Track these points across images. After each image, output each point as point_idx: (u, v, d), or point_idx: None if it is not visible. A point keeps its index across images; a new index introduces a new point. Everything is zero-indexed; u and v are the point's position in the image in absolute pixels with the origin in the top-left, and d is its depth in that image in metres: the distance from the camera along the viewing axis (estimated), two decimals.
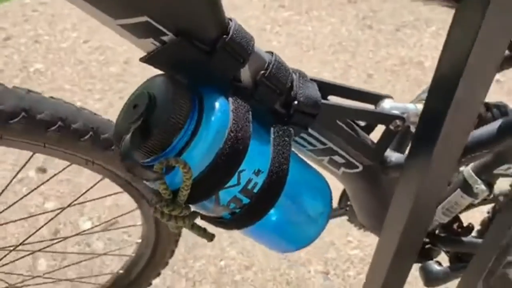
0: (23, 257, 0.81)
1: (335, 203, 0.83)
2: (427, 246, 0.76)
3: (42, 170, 1.40)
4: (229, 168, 0.41)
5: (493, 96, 0.52)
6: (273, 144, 0.45)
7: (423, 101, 0.47)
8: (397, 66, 2.13)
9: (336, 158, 0.57)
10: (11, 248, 0.76)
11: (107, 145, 0.58)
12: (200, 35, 0.42)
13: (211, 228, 0.46)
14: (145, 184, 0.42)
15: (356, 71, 2.08)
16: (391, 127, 0.55)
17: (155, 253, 0.84)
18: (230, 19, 0.44)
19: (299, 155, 0.55)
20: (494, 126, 0.54)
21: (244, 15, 2.45)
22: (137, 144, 0.39)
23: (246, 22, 2.37)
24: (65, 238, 0.90)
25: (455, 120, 0.45)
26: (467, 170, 0.69)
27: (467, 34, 0.40)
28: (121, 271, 0.90)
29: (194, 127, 0.40)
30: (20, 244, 0.75)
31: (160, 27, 0.40)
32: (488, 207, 0.84)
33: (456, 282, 0.66)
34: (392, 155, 0.61)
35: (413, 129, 0.59)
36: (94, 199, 0.76)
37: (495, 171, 0.67)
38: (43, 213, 1.16)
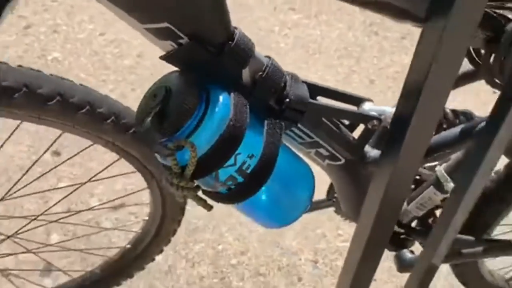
0: (38, 226, 0.90)
1: (323, 196, 0.92)
2: (402, 236, 0.85)
3: (57, 153, 1.50)
4: (228, 150, 0.50)
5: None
6: (266, 134, 0.54)
7: None
8: (399, 73, 2.21)
9: (322, 150, 0.66)
10: (32, 218, 0.86)
11: (126, 129, 0.68)
12: (210, 40, 0.51)
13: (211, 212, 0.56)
14: (156, 166, 0.52)
15: (359, 76, 2.17)
16: (369, 126, 0.64)
17: (160, 230, 0.93)
18: (235, 27, 0.54)
19: (290, 146, 0.65)
20: (456, 130, 0.63)
21: (254, 16, 2.53)
22: (155, 126, 0.49)
23: (256, 23, 2.46)
24: (77, 212, 1.00)
25: (419, 124, 0.53)
26: (439, 169, 0.78)
27: (428, 52, 0.49)
28: (128, 246, 1.00)
29: (201, 116, 0.49)
30: (41, 214, 0.84)
31: (178, 32, 0.50)
32: None
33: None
34: (371, 151, 0.70)
35: None
36: (107, 177, 0.86)
37: None
38: (57, 188, 1.25)
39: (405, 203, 0.84)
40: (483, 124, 0.64)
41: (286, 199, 0.61)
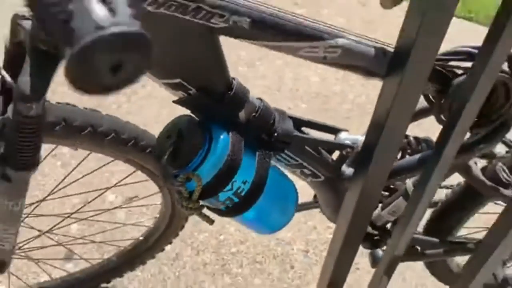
0: (70, 224, 1.05)
1: (311, 198, 1.06)
2: (376, 237, 0.99)
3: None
4: (226, 179, 0.64)
5: None
6: (257, 164, 0.68)
7: None
8: None
9: (305, 170, 0.80)
10: (66, 215, 1.00)
11: (143, 149, 0.81)
12: (213, 91, 0.65)
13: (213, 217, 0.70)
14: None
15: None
16: (344, 153, 0.77)
17: (169, 226, 1.08)
18: (234, 78, 0.67)
19: (279, 166, 0.78)
20: (415, 157, 0.77)
21: None
22: (170, 162, 0.62)
23: None
24: (106, 210, 1.14)
25: (382, 152, 0.66)
26: (408, 182, 0.91)
27: (388, 99, 0.61)
28: (141, 238, 1.15)
29: (205, 153, 0.63)
30: (74, 212, 0.99)
31: (188, 85, 0.63)
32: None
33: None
34: (347, 170, 0.83)
35: None
36: (125, 184, 1.00)
37: None
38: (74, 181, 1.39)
39: (379, 209, 0.97)
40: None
41: (274, 212, 0.75)
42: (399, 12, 0.60)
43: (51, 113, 0.70)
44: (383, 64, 0.64)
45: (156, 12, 0.54)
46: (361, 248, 0.83)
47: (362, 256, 1.01)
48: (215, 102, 0.65)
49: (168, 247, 1.19)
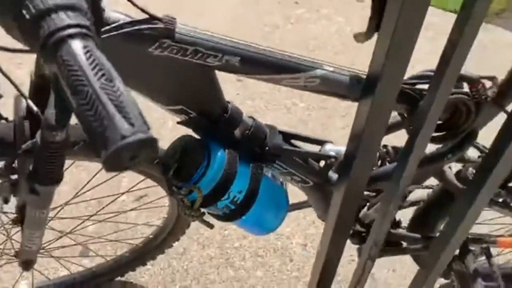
0: (89, 226, 1.16)
1: (305, 198, 1.16)
2: (363, 234, 1.09)
3: None
4: (223, 190, 0.75)
5: None
6: (250, 176, 0.78)
7: None
8: None
9: (295, 177, 0.90)
10: (86, 217, 1.12)
11: (152, 161, 0.92)
12: (211, 114, 0.75)
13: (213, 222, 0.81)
14: None
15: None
16: (328, 162, 0.87)
17: (176, 226, 1.19)
18: (229, 102, 0.77)
19: (272, 174, 0.88)
20: (394, 165, 0.86)
21: (260, 10, 2.72)
22: (175, 176, 0.73)
23: (261, 18, 2.65)
24: (122, 211, 1.26)
25: (360, 161, 0.76)
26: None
27: (363, 117, 0.70)
28: (151, 236, 1.26)
29: (204, 169, 0.73)
30: (94, 214, 1.10)
31: (189, 111, 0.74)
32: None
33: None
34: (334, 176, 0.94)
35: None
36: (135, 190, 1.11)
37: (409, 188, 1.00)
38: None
39: (366, 209, 1.07)
40: None
41: (267, 216, 0.86)
42: None
43: (72, 134, 0.80)
44: (357, 89, 0.74)
45: (161, 55, 0.64)
46: None
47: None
48: (213, 123, 0.75)
49: (176, 243, 1.30)
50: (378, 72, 0.67)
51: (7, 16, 0.38)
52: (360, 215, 1.07)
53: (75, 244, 1.21)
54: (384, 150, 0.91)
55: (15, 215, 0.89)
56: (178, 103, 0.72)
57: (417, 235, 1.09)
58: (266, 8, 2.76)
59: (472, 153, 0.97)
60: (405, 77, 0.82)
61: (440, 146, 0.85)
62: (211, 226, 0.79)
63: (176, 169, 0.73)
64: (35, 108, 0.73)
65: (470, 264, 0.96)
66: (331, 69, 0.73)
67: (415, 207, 1.15)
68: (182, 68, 0.67)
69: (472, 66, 2.27)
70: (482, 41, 2.63)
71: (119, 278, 1.36)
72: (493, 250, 1.15)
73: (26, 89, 0.74)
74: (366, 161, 0.78)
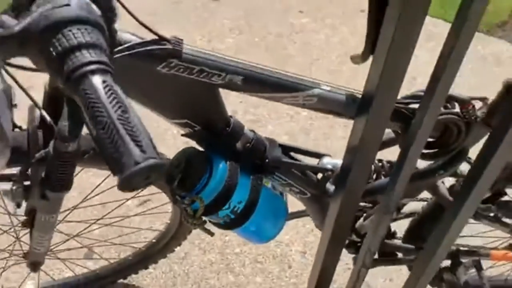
0: (95, 229, 1.21)
1: (303, 207, 1.19)
2: (359, 244, 1.13)
3: None
4: (224, 201, 0.79)
5: None
6: (250, 187, 0.82)
7: None
8: None
9: (294, 188, 0.94)
10: (93, 221, 1.16)
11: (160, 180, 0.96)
12: (214, 128, 0.79)
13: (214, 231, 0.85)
14: None
15: (356, 82, 2.40)
16: (325, 175, 0.91)
17: (179, 231, 1.23)
18: (231, 116, 0.81)
19: (272, 185, 0.92)
20: (388, 179, 0.90)
21: (266, 19, 2.76)
22: (179, 187, 0.77)
23: (266, 27, 2.69)
24: (126, 216, 1.30)
25: (355, 175, 0.79)
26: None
27: (358, 135, 0.74)
28: (154, 240, 1.30)
29: (206, 180, 0.77)
30: (100, 219, 1.14)
31: (194, 124, 0.78)
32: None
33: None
34: (331, 188, 0.97)
35: None
36: (140, 190, 1.15)
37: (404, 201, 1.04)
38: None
39: (362, 219, 1.11)
40: None
41: (266, 225, 0.90)
42: None
43: (82, 144, 0.85)
44: (353, 107, 0.78)
45: (168, 73, 0.68)
46: None
47: None
48: (216, 137, 0.80)
49: (177, 248, 1.34)
50: (373, 92, 0.70)
51: (36, 52, 0.43)
52: (356, 226, 1.11)
53: (81, 247, 1.25)
54: (380, 164, 0.95)
55: (24, 218, 0.94)
56: (184, 117, 0.76)
57: (412, 246, 1.13)
58: (272, 16, 2.79)
59: (465, 167, 1.01)
60: (404, 94, 0.87)
61: (432, 162, 0.89)
62: (211, 234, 0.83)
63: (180, 179, 0.77)
64: (48, 118, 0.77)
65: (461, 276, 1.00)
66: (328, 88, 0.77)
67: (410, 219, 1.19)
68: (188, 85, 0.71)
69: (470, 78, 2.34)
70: (483, 54, 2.67)
71: (122, 280, 1.40)
72: (488, 263, 1.19)
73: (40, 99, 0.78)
74: (361, 175, 0.82)
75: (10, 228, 1.08)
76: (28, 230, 0.93)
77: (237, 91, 0.73)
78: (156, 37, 0.66)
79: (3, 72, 0.45)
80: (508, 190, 1.01)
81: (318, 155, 0.93)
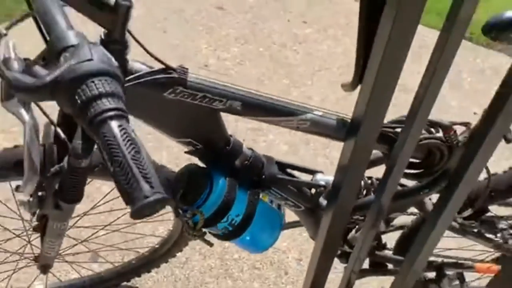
0: (103, 235, 1.27)
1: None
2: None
3: None
4: (222, 214, 0.85)
5: None
6: (248, 201, 0.89)
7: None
8: (400, 91, 2.50)
9: (289, 202, 1.00)
10: (100, 227, 1.23)
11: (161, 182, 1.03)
12: (215, 146, 0.86)
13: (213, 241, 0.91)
14: None
15: (355, 95, 2.46)
16: (318, 190, 0.98)
17: (180, 238, 1.30)
18: (231, 135, 0.88)
19: (270, 199, 0.99)
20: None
21: (269, 29, 2.82)
22: (181, 200, 0.84)
23: (270, 37, 2.75)
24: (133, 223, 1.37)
25: (345, 191, 0.86)
26: None
27: (347, 156, 0.80)
28: (156, 246, 1.37)
29: (207, 195, 0.84)
30: (108, 225, 1.21)
31: (196, 143, 0.84)
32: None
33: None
34: (323, 202, 1.04)
35: None
36: None
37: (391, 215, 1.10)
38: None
39: (354, 231, 1.17)
40: None
41: (261, 236, 0.97)
42: None
43: (92, 158, 0.92)
44: (343, 131, 0.84)
45: (174, 99, 0.75)
46: None
47: None
48: (217, 154, 0.86)
49: (179, 253, 1.41)
50: (360, 118, 0.77)
51: (64, 99, 0.50)
52: (348, 237, 1.17)
53: (88, 251, 1.32)
54: (369, 181, 1.01)
55: (36, 223, 1.01)
56: (187, 137, 0.83)
57: (401, 258, 1.19)
58: (276, 27, 2.85)
59: None
60: (395, 117, 0.93)
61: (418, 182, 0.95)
62: (210, 244, 0.89)
63: (182, 194, 0.84)
64: (62, 135, 0.84)
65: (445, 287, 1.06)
66: (320, 113, 0.84)
67: (400, 232, 1.25)
68: (192, 109, 0.77)
69: (469, 91, 2.43)
70: (482, 67, 2.72)
71: (125, 283, 1.47)
72: (474, 275, 1.25)
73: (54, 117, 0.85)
74: (351, 191, 0.88)
75: (22, 232, 1.15)
76: (39, 234, 1.00)
77: (237, 115, 0.79)
78: (163, 67, 0.73)
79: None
80: (490, 207, 1.08)
81: (312, 172, 0.99)
